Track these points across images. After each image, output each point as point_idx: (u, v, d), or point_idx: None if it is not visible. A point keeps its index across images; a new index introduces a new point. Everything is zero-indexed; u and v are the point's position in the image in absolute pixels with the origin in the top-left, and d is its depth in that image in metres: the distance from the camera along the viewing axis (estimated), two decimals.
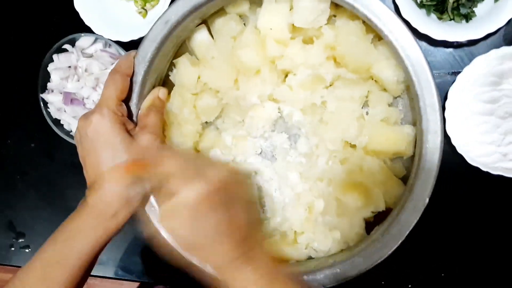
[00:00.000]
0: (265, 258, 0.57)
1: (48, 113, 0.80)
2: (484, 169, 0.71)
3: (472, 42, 0.74)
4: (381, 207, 0.68)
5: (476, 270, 0.76)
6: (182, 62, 0.73)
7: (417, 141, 0.65)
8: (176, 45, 0.73)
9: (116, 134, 0.61)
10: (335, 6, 0.68)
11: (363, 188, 0.68)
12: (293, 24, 0.69)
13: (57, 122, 0.81)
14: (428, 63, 0.61)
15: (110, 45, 0.80)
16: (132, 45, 0.78)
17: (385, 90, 0.71)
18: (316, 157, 0.73)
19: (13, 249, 0.88)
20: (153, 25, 0.68)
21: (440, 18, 0.74)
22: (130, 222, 0.63)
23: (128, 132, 0.64)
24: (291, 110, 0.74)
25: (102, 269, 0.84)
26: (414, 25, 0.71)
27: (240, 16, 0.75)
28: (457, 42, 0.73)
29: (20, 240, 0.88)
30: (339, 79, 0.71)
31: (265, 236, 0.73)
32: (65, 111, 0.80)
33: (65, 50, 0.80)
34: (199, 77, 0.73)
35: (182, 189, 0.53)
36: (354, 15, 0.65)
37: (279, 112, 0.75)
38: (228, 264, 0.55)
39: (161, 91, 0.69)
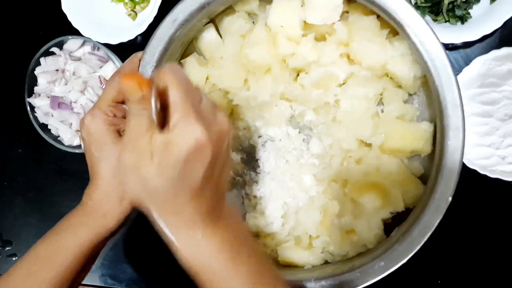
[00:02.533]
0: (233, 221, 0.53)
1: (35, 118, 0.78)
2: (481, 172, 0.70)
3: (467, 44, 0.73)
4: (400, 207, 0.67)
5: (472, 275, 0.75)
6: (190, 62, 0.71)
7: (438, 138, 0.63)
8: (184, 44, 0.71)
9: (105, 135, 0.60)
10: (348, 1, 0.66)
11: (381, 188, 0.67)
12: (304, 21, 0.67)
13: (44, 126, 0.79)
14: (448, 57, 0.59)
15: (98, 48, 0.78)
16: (121, 48, 0.77)
17: (400, 86, 0.69)
18: (330, 157, 0.72)
19: None
20: (161, 24, 0.66)
21: (435, 20, 0.73)
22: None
23: (119, 133, 0.62)
24: (303, 109, 0.72)
25: (91, 278, 0.82)
26: None
27: (248, 14, 0.73)
28: (452, 44, 0.73)
29: (7, 248, 0.86)
30: (352, 77, 0.69)
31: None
32: (52, 115, 0.78)
33: (53, 53, 0.78)
34: (207, 78, 0.72)
35: (181, 128, 0.45)
36: (368, 10, 0.63)
37: (292, 110, 0.73)
38: (193, 223, 0.48)
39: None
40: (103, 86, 0.77)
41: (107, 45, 0.77)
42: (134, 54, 0.67)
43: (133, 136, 0.47)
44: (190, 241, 0.49)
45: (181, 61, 0.72)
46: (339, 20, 0.67)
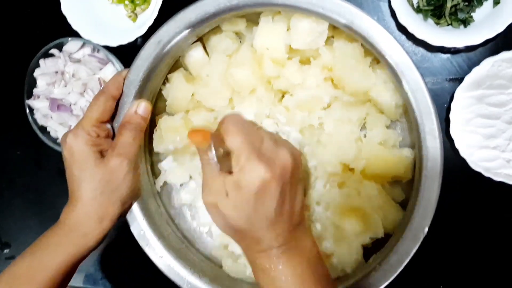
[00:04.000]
0: (308, 245, 0.57)
1: (34, 120, 0.78)
2: (486, 174, 0.70)
3: (470, 48, 0.73)
4: (380, 233, 0.67)
5: (475, 280, 0.75)
6: (177, 77, 0.72)
7: (416, 168, 0.64)
8: (170, 64, 0.71)
9: (87, 155, 0.61)
10: (333, 27, 0.66)
11: (361, 213, 0.67)
12: (290, 45, 0.67)
13: (43, 129, 0.79)
14: (428, 88, 0.59)
15: (98, 50, 0.78)
16: (121, 50, 0.77)
17: (382, 112, 0.70)
18: (314, 179, 0.71)
19: None
20: (145, 45, 0.66)
21: (437, 23, 0.73)
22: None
23: (101, 153, 0.63)
24: (288, 130, 0.72)
25: (90, 280, 0.83)
26: (411, 30, 0.70)
27: (236, 33, 0.73)
28: (454, 48, 0.72)
29: (6, 250, 0.86)
30: (336, 101, 0.70)
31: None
32: (51, 117, 0.78)
33: (52, 55, 0.78)
34: (193, 94, 0.72)
35: (247, 171, 0.51)
36: (352, 37, 0.64)
37: (277, 127, 0.73)
38: (270, 251, 0.54)
39: (140, 106, 0.65)
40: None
41: (107, 47, 0.77)
42: (118, 72, 0.68)
43: (209, 181, 0.54)
44: (266, 266, 0.54)
45: (168, 76, 0.72)
46: (324, 45, 0.67)
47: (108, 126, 0.66)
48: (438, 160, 0.59)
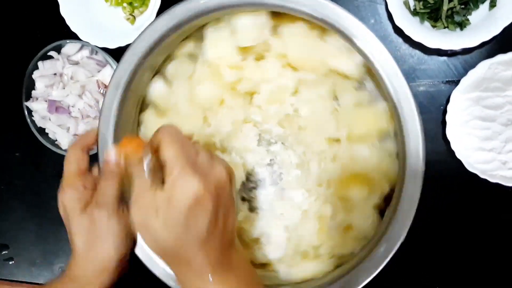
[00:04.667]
0: (241, 264, 0.55)
1: (33, 122, 0.79)
2: (482, 176, 0.71)
3: (466, 51, 0.74)
4: (386, 189, 0.67)
5: (471, 281, 0.75)
6: (148, 116, 0.72)
7: (399, 159, 0.64)
8: (137, 103, 0.72)
9: (74, 210, 0.61)
10: (273, 15, 0.68)
11: (362, 177, 0.67)
12: (239, 46, 0.69)
13: (42, 130, 0.79)
14: (413, 95, 0.60)
15: (96, 52, 0.78)
16: (119, 52, 0.77)
17: (347, 77, 0.70)
18: (308, 164, 0.72)
19: None
20: (106, 92, 0.66)
21: (434, 26, 0.73)
22: None
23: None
24: (269, 127, 0.73)
25: None
26: (407, 33, 0.71)
27: (189, 55, 0.74)
28: (451, 50, 0.73)
29: (4, 252, 0.86)
30: (301, 83, 0.70)
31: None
32: (50, 119, 0.78)
33: (51, 57, 0.78)
34: None
35: (179, 184, 0.49)
36: (294, 17, 0.64)
37: (258, 130, 0.74)
38: (203, 273, 0.51)
39: (110, 154, 0.61)
40: (101, 90, 0.77)
41: (105, 49, 0.78)
42: (90, 130, 0.68)
43: (139, 195, 0.51)
44: (200, 287, 0.51)
45: (140, 117, 0.73)
46: (271, 35, 0.68)
47: (95, 173, 0.66)
48: (419, 144, 0.60)
